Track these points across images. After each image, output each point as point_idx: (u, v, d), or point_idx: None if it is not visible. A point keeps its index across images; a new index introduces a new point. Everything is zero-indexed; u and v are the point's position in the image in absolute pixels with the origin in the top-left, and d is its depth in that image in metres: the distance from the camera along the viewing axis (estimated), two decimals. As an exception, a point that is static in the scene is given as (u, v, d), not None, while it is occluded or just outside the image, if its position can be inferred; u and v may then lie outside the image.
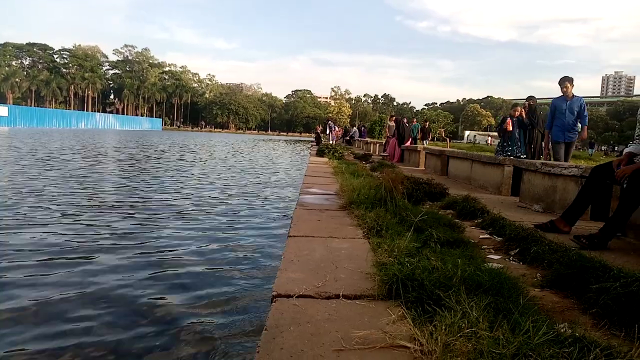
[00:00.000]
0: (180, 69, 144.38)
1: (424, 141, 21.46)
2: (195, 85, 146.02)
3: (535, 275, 2.75)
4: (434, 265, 2.30)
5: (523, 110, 9.35)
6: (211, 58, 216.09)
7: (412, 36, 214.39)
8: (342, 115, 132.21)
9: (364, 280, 2.38)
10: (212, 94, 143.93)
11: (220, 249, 5.39)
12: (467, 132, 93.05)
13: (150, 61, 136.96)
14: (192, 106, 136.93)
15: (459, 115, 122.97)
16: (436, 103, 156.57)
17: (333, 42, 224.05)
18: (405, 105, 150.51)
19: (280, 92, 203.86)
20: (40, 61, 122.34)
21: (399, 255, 2.59)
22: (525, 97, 10.37)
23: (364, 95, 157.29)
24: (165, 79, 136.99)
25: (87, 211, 7.21)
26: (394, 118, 17.84)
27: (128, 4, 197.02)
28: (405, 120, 17.58)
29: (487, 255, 3.20)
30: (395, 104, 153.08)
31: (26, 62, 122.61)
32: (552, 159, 8.38)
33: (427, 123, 24.16)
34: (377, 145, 23.80)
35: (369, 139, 32.74)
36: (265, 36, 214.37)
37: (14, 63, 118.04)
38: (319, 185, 6.75)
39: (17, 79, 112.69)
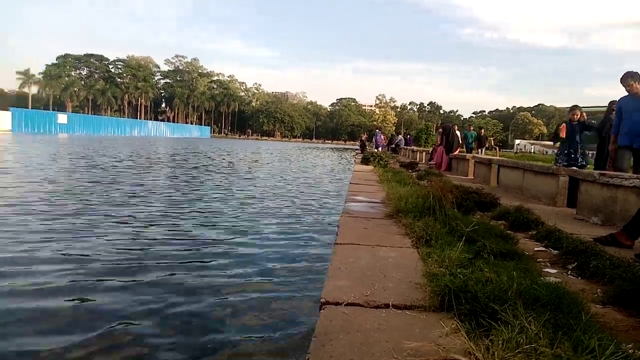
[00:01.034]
0: (228, 78, 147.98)
1: (480, 150, 20.41)
2: (243, 94, 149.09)
3: (596, 290, 2.61)
4: (487, 278, 2.22)
5: (583, 113, 8.80)
6: (258, 67, 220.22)
7: (458, 43, 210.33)
8: (387, 123, 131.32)
9: (414, 290, 2.33)
10: (258, 103, 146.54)
11: (266, 254, 5.43)
12: (517, 141, 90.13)
13: (200, 71, 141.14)
14: (240, 114, 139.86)
15: (508, 123, 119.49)
16: (484, 111, 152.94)
17: (377, 51, 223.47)
18: (452, 114, 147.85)
19: (325, 101, 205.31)
20: (97, 71, 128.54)
21: (450, 266, 2.52)
22: (580, 105, 9.79)
23: (410, 103, 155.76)
24: (213, 87, 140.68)
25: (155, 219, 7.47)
26: (440, 129, 17.37)
27: (179, 16, 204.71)
28: (456, 128, 17.13)
29: (543, 268, 3.07)
30: (441, 112, 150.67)
31: (84, 72, 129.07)
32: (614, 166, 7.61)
33: (482, 130, 22.80)
34: (424, 153, 23.43)
35: (414, 147, 32.31)
36: (310, 46, 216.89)
37: (73, 73, 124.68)
38: (364, 193, 6.71)
39: (75, 89, 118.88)
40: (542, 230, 4.16)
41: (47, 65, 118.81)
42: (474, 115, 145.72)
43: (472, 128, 23.18)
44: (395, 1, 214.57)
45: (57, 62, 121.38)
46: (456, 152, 15.38)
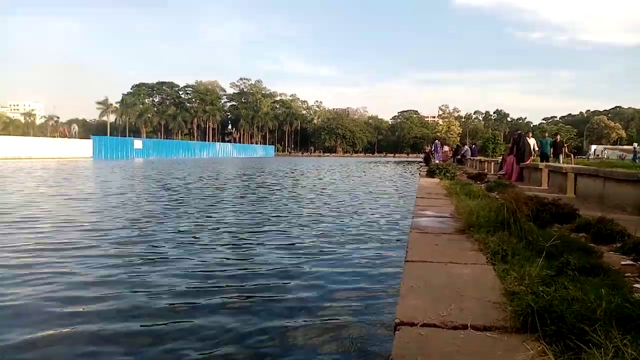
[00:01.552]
0: (290, 98, 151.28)
1: (558, 157, 19.05)
2: (304, 112, 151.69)
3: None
4: (573, 296, 2.09)
5: None
6: (319, 85, 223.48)
7: (524, 48, 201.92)
8: (452, 134, 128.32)
9: (493, 310, 2.24)
10: (320, 120, 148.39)
11: (334, 274, 5.40)
12: (593, 147, 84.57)
13: (263, 92, 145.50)
14: (302, 132, 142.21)
15: (582, 128, 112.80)
16: (556, 116, 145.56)
17: (438, 61, 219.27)
18: (520, 121, 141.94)
19: (386, 114, 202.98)
20: (168, 98, 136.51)
21: (531, 284, 2.40)
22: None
23: (474, 112, 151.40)
24: (276, 107, 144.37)
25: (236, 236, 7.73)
26: (517, 133, 16.34)
27: (243, 41, 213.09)
28: (530, 135, 16.24)
29: (632, 284, 2.85)
30: (509, 119, 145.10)
31: (156, 99, 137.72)
32: None
33: (558, 137, 21.05)
34: (492, 163, 22.61)
35: (482, 158, 31.29)
36: (369, 60, 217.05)
37: (146, 101, 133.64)
38: (432, 207, 6.57)
39: (149, 115, 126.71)
40: (629, 242, 3.87)
41: (123, 94, 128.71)
42: (544, 122, 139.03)
43: (546, 134, 21.81)
44: (455, 9, 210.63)
45: (132, 91, 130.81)
46: (528, 162, 14.69)
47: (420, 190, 9.88)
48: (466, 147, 35.40)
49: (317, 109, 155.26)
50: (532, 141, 17.68)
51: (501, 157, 20.98)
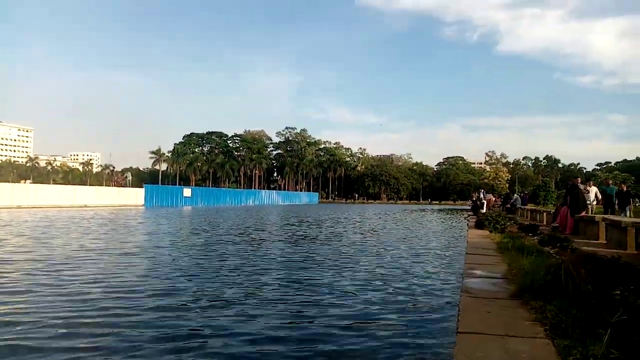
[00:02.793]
0: (334, 145, 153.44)
1: (625, 209, 17.20)
2: (348, 159, 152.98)
3: None
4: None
5: None
6: (362, 132, 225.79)
7: (574, 92, 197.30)
8: (500, 181, 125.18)
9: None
10: (363, 167, 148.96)
11: (374, 346, 4.95)
12: (654, 194, 79.87)
13: (308, 140, 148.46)
14: (346, 179, 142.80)
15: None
16: (610, 162, 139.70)
17: (483, 106, 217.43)
18: (572, 167, 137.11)
19: (431, 160, 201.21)
20: (217, 147, 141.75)
21: (598, 369, 2.22)
22: None
23: (523, 158, 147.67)
24: (320, 155, 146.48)
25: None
26: (577, 180, 15.25)
27: (289, 92, 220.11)
28: (591, 184, 15.18)
29: None
30: (560, 165, 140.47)
31: (206, 148, 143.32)
32: None
33: (624, 186, 18.99)
34: (545, 214, 21.71)
35: (533, 207, 30.17)
36: (412, 107, 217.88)
37: (196, 150, 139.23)
38: (483, 265, 6.32)
39: (198, 163, 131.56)
40: None
41: (175, 143, 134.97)
42: (597, 168, 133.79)
43: (610, 182, 20.04)
44: (500, 56, 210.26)
45: (183, 140, 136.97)
46: (583, 213, 14.00)
47: (470, 244, 9.58)
48: (516, 195, 34.32)
49: (360, 155, 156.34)
50: (593, 190, 16.60)
51: (554, 208, 20.14)
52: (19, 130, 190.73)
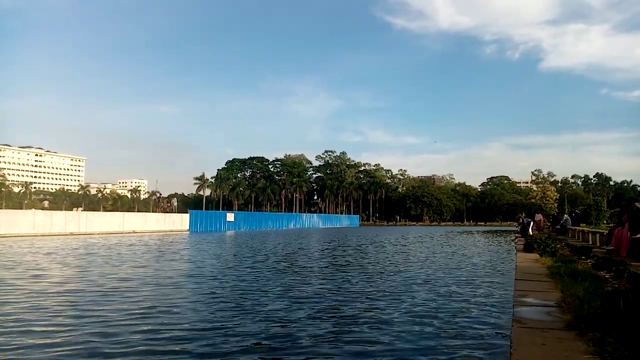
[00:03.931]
0: (374, 167, 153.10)
1: None
2: (389, 181, 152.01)
3: None
4: None
5: None
6: (402, 154, 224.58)
7: (623, 107, 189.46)
8: (548, 200, 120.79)
9: None
10: (404, 188, 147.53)
11: None
12: None
13: (347, 163, 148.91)
14: (387, 201, 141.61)
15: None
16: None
17: (528, 125, 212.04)
18: (625, 185, 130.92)
19: (475, 181, 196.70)
20: (258, 172, 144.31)
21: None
22: None
23: (572, 177, 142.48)
24: (360, 177, 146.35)
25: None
26: (627, 201, 14.87)
27: (328, 116, 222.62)
28: None
29: None
30: (611, 183, 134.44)
31: (248, 173, 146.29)
32: None
33: None
34: (597, 235, 20.69)
35: (585, 228, 28.87)
36: (454, 127, 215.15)
37: (239, 175, 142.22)
38: (534, 292, 6.07)
39: (241, 188, 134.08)
40: None
41: (218, 169, 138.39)
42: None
43: None
44: (543, 74, 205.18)
45: (226, 166, 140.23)
46: (640, 235, 13.25)
47: (519, 269, 9.24)
48: (566, 215, 32.97)
49: (401, 177, 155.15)
50: None
51: (608, 229, 19.17)
52: (71, 160, 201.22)
